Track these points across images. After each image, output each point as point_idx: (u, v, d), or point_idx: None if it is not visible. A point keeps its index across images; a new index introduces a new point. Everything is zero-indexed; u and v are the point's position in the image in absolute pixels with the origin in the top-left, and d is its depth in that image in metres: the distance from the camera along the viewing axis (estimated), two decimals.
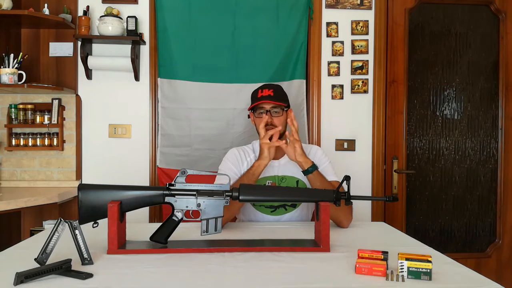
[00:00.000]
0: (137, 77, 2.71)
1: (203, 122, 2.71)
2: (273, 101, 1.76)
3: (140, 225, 1.67)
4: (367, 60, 2.80)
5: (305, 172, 1.68)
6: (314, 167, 1.67)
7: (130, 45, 2.64)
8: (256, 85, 2.58)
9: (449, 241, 2.94)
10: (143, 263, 1.20)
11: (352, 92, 2.81)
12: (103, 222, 1.32)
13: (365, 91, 2.81)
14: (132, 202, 1.34)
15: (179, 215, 1.36)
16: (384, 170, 2.85)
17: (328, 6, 2.78)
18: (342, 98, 2.80)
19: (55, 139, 2.70)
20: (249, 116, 1.87)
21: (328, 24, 2.78)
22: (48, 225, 2.54)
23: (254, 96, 1.82)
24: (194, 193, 1.35)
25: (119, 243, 1.30)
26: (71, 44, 2.72)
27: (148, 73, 2.73)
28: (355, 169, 2.74)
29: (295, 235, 1.55)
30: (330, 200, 1.37)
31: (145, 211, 2.70)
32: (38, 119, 2.69)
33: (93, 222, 1.32)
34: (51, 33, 2.72)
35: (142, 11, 2.71)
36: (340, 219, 1.68)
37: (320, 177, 1.68)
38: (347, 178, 1.36)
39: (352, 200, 1.39)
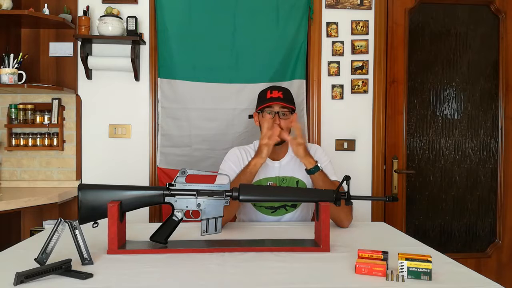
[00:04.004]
0: (137, 77, 2.71)
1: (203, 122, 2.71)
2: (283, 103, 1.76)
3: (140, 225, 1.67)
4: (367, 60, 2.80)
5: (308, 172, 1.69)
6: (317, 168, 1.67)
7: (130, 45, 2.64)
8: (256, 85, 2.64)
9: (449, 241, 2.94)
10: (143, 263, 1.20)
11: (352, 92, 2.80)
12: (103, 222, 1.31)
13: (365, 91, 2.81)
14: (132, 202, 1.34)
15: (179, 215, 1.36)
16: (384, 170, 2.85)
17: (328, 6, 2.78)
18: (342, 98, 2.80)
19: (55, 139, 2.70)
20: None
21: (328, 24, 2.78)
22: (48, 225, 2.54)
23: (263, 97, 1.82)
24: (194, 193, 1.35)
25: (119, 243, 1.30)
26: (71, 44, 2.72)
27: (148, 73, 2.73)
28: (355, 169, 2.74)
29: (295, 235, 1.55)
30: (330, 200, 1.37)
31: (145, 211, 2.70)
32: (38, 119, 2.69)
33: (93, 222, 1.32)
34: (51, 33, 2.72)
35: (142, 11, 2.71)
36: (340, 219, 1.68)
37: (323, 178, 1.68)
38: (347, 178, 1.36)
39: (352, 200, 1.39)
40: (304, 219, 1.89)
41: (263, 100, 1.80)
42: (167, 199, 1.36)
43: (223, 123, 2.71)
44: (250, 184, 1.66)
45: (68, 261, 1.11)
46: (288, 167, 1.83)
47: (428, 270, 1.07)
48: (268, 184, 1.81)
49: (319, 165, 1.68)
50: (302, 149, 1.69)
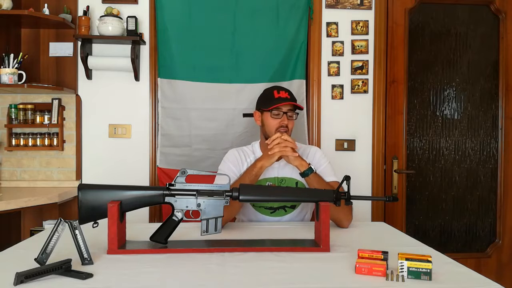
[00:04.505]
0: (137, 77, 2.71)
1: (203, 122, 2.71)
2: (294, 103, 1.78)
3: (140, 225, 1.67)
4: (367, 60, 2.80)
5: (302, 175, 1.68)
6: (310, 170, 1.67)
7: (130, 45, 2.64)
8: (256, 85, 2.64)
9: (449, 241, 2.94)
10: (143, 263, 1.20)
11: (352, 92, 2.80)
12: (103, 222, 1.31)
13: (365, 91, 2.81)
14: (132, 202, 1.34)
15: (179, 215, 1.36)
16: (384, 170, 2.85)
17: (328, 6, 2.78)
18: (342, 98, 2.80)
19: (55, 139, 2.70)
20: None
21: (328, 24, 2.78)
22: (48, 225, 2.54)
23: (270, 96, 1.81)
24: (194, 193, 1.35)
25: (119, 243, 1.30)
26: (71, 44, 2.72)
27: (148, 73, 2.73)
28: (355, 169, 2.74)
29: (295, 235, 1.55)
30: (330, 200, 1.37)
31: (145, 211, 2.70)
32: (38, 119, 2.69)
33: (93, 222, 1.32)
34: (51, 33, 2.72)
35: (142, 11, 2.71)
36: (340, 219, 1.68)
37: (318, 179, 1.68)
38: (347, 178, 1.36)
39: (352, 200, 1.39)
40: (303, 220, 1.89)
41: (271, 100, 1.79)
42: (167, 199, 1.36)
43: (223, 123, 2.71)
44: (250, 184, 1.66)
45: (68, 261, 1.11)
46: (287, 168, 1.83)
47: (428, 270, 1.07)
48: (267, 185, 1.81)
49: (312, 167, 1.68)
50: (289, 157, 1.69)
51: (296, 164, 1.68)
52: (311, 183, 1.67)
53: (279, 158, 1.75)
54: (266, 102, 1.81)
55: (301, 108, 1.82)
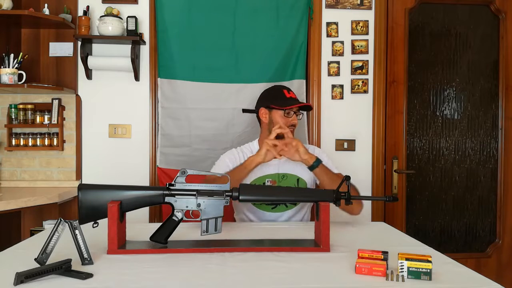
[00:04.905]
0: (137, 77, 2.71)
1: (203, 122, 2.71)
2: (308, 104, 1.87)
3: (140, 225, 1.67)
4: (367, 60, 2.80)
5: (311, 168, 1.71)
6: (318, 161, 1.71)
7: (130, 45, 2.64)
8: (256, 85, 2.64)
9: (449, 241, 2.94)
10: (143, 263, 1.20)
11: (352, 92, 2.80)
12: (103, 222, 1.31)
13: (365, 91, 2.81)
14: (132, 202, 1.34)
15: (179, 215, 1.36)
16: (384, 170, 2.85)
17: (328, 6, 2.78)
18: (342, 98, 2.80)
19: (55, 139, 2.70)
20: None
21: (328, 24, 2.78)
22: (48, 225, 2.54)
23: (281, 95, 1.84)
24: (194, 193, 1.35)
25: (119, 243, 1.30)
26: (71, 44, 2.72)
27: (148, 73, 2.73)
28: (355, 169, 2.73)
29: (295, 235, 1.55)
30: (330, 200, 1.37)
31: (145, 211, 2.70)
32: (38, 119, 2.69)
33: (93, 222, 1.32)
34: (51, 33, 2.72)
35: (142, 11, 2.71)
36: (351, 208, 1.72)
37: (326, 170, 1.72)
38: (347, 178, 1.36)
39: (352, 200, 1.39)
40: (304, 215, 1.91)
41: (284, 99, 1.82)
42: (167, 199, 1.36)
43: (223, 123, 2.71)
44: (250, 184, 1.67)
45: (68, 261, 1.11)
46: (289, 164, 1.84)
47: (428, 270, 1.07)
48: (266, 182, 1.82)
49: (319, 157, 1.72)
50: (301, 146, 1.72)
51: (305, 157, 1.71)
52: (321, 174, 1.71)
53: (272, 158, 1.76)
54: (278, 101, 1.82)
55: (311, 109, 1.93)
